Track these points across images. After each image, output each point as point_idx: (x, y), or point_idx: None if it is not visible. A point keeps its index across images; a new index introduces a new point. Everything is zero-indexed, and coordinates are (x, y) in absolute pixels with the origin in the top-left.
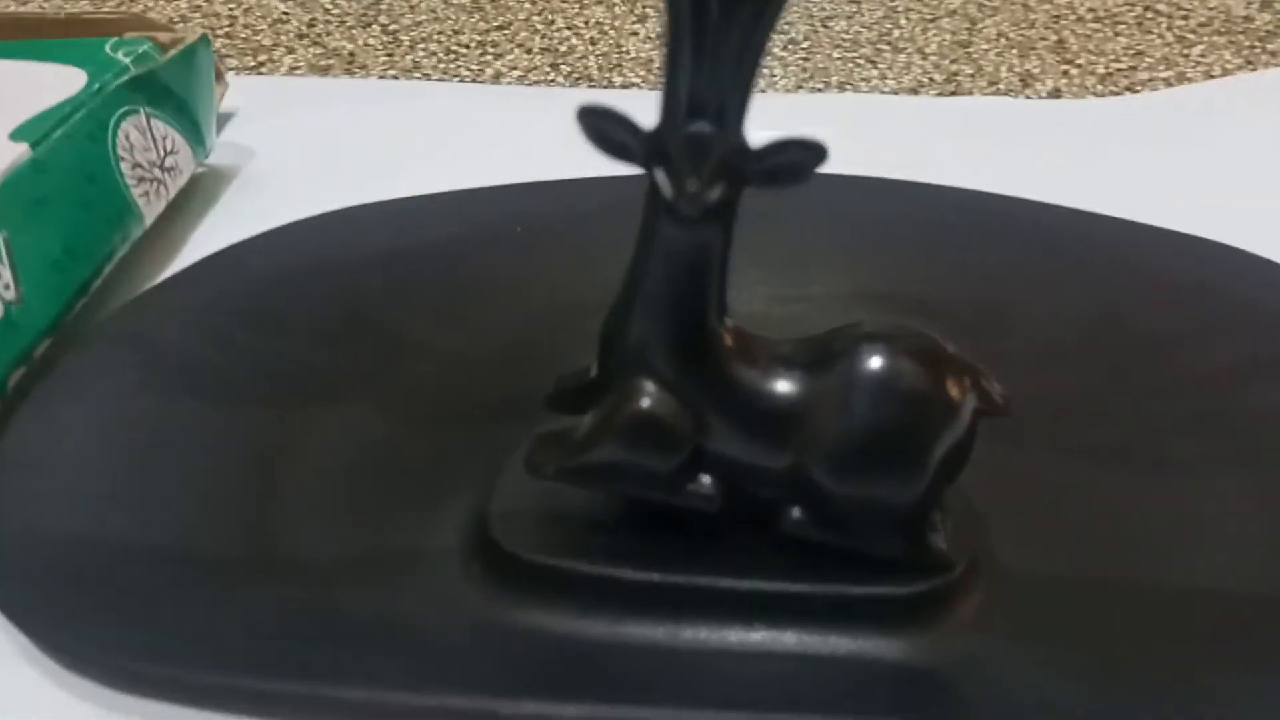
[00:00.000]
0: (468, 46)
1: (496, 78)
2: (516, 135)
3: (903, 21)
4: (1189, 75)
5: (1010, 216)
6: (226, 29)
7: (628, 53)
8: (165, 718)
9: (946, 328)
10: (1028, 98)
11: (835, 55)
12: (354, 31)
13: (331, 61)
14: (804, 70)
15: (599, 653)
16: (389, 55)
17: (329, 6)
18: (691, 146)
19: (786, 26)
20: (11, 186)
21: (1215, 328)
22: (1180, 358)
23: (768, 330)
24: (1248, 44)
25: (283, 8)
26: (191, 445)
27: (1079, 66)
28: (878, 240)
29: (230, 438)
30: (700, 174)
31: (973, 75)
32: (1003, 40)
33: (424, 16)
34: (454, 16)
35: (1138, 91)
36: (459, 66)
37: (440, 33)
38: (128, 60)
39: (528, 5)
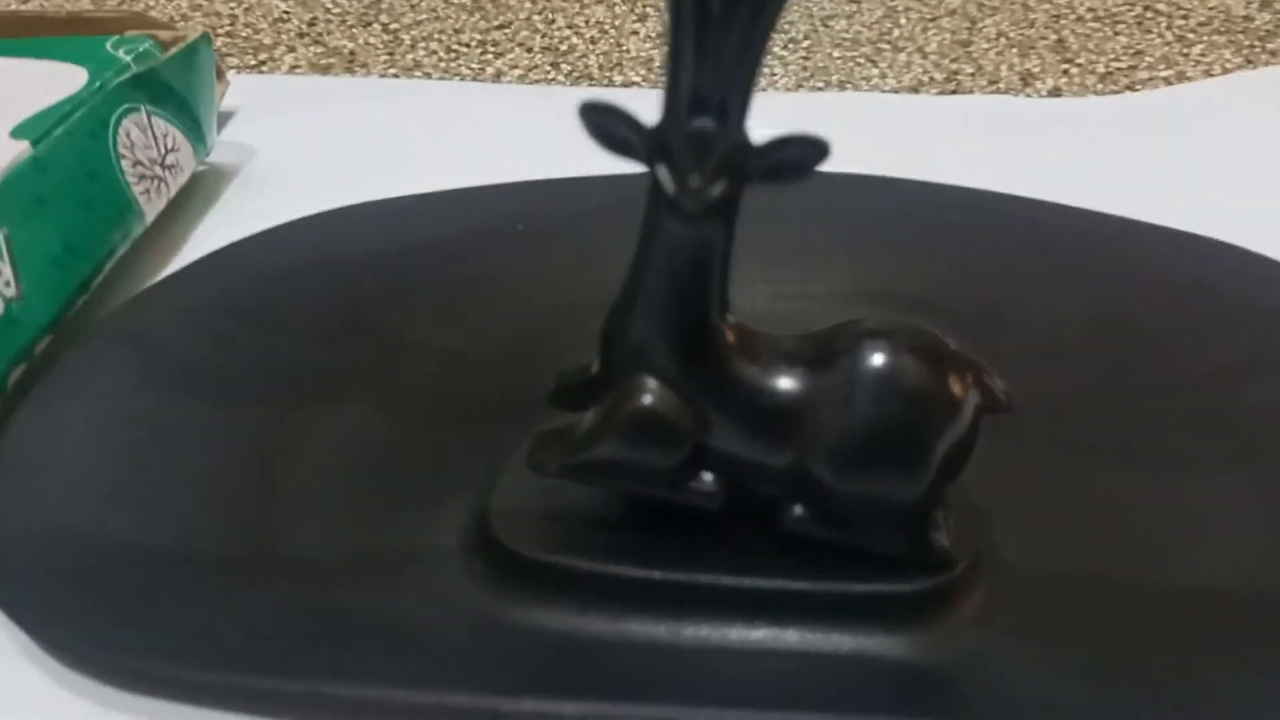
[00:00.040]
0: (468, 45)
1: (497, 76)
2: (517, 134)
3: (903, 20)
4: (1189, 74)
5: (1010, 215)
6: (227, 27)
7: (628, 51)
8: (166, 716)
9: (947, 325)
10: (1028, 96)
11: (835, 54)
12: (355, 30)
13: (332, 60)
14: (804, 69)
15: (600, 650)
16: (390, 54)
17: (330, 5)
18: (694, 142)
19: (787, 25)
20: (12, 184)
21: (1215, 325)
22: (1180, 355)
23: (769, 328)
24: (1247, 43)
25: (283, 6)
26: (192, 443)
27: (1079, 65)
28: (879, 238)
29: (230, 436)
30: (703, 170)
31: (973, 74)
32: (1003, 39)
33: (425, 15)
34: (455, 15)
35: (1138, 90)
36: (460, 65)
37: (441, 31)
38: (129, 58)
39: (528, 4)
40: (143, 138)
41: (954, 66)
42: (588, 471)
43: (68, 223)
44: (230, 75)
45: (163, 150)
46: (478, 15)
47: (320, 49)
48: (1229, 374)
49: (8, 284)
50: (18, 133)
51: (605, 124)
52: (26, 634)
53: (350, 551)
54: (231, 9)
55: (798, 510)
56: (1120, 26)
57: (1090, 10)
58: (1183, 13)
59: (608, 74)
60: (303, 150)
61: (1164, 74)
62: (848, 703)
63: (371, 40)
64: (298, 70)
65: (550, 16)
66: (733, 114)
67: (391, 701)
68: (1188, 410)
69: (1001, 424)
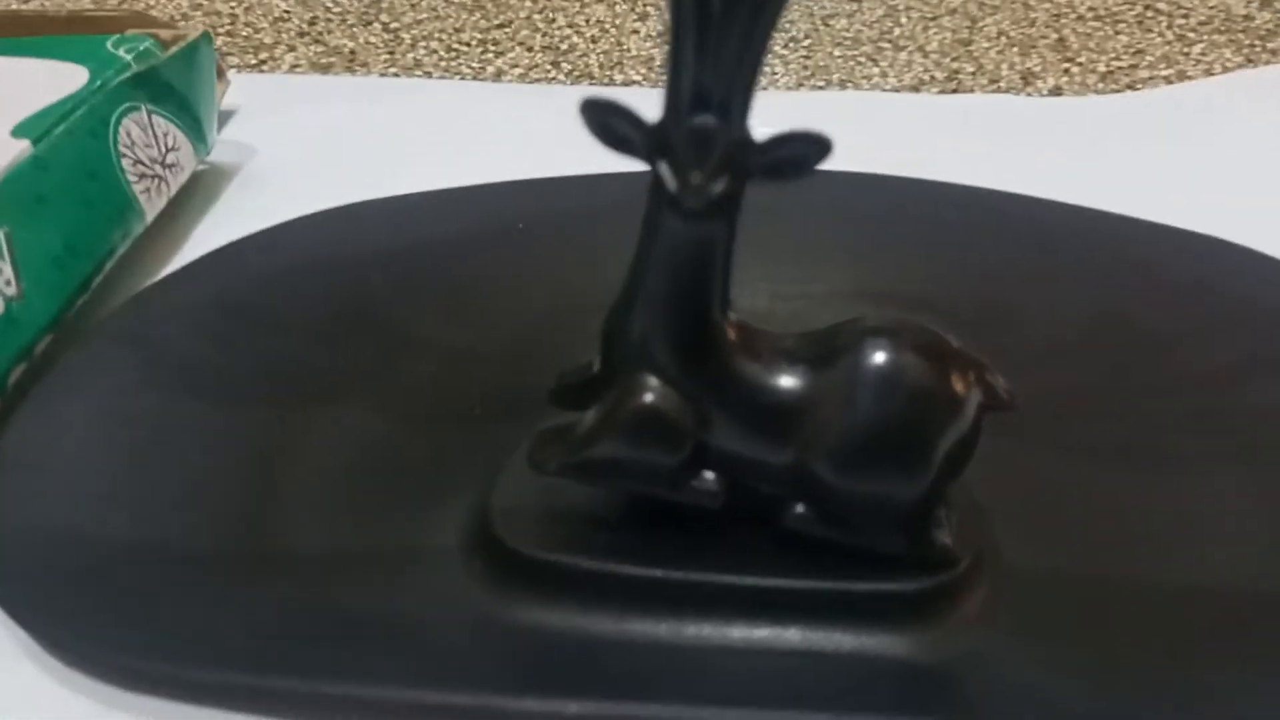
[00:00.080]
0: (469, 44)
1: (498, 75)
2: (517, 133)
3: (904, 20)
4: (1189, 73)
5: (1011, 214)
6: (228, 27)
7: (629, 50)
8: (166, 715)
9: (948, 324)
10: (1029, 95)
11: (836, 53)
12: (355, 29)
13: (333, 59)
14: (805, 68)
15: (601, 649)
16: (390, 53)
17: (330, 4)
18: (696, 139)
19: (788, 24)
20: (13, 183)
21: (1216, 324)
22: (1181, 355)
23: (770, 327)
24: (1248, 42)
25: (284, 6)
26: (192, 443)
27: (1080, 64)
28: (879, 237)
29: (230, 435)
30: (704, 167)
31: (974, 73)
32: (1003, 38)
33: (425, 14)
34: (455, 14)
35: (1138, 89)
36: (460, 64)
37: (441, 30)
38: (129, 57)
39: (529, 3)
40: (143, 136)
41: (955, 65)
42: (588, 470)
43: (68, 222)
44: (231, 74)
45: (163, 149)
46: (478, 14)
47: (321, 48)
48: (1229, 373)
49: (8, 283)
50: (18, 131)
51: (606, 121)
52: (27, 633)
53: (350, 550)
54: (232, 8)
55: (799, 509)
56: (1121, 26)
57: (1091, 9)
58: (1183, 12)
59: (608, 73)
60: (303, 149)
61: (1164, 73)
62: (849, 702)
63: (372, 39)
64: (298, 69)
65: (551, 15)
66: (734, 111)
67: (392, 701)
68: (1188, 410)
69: (1002, 423)
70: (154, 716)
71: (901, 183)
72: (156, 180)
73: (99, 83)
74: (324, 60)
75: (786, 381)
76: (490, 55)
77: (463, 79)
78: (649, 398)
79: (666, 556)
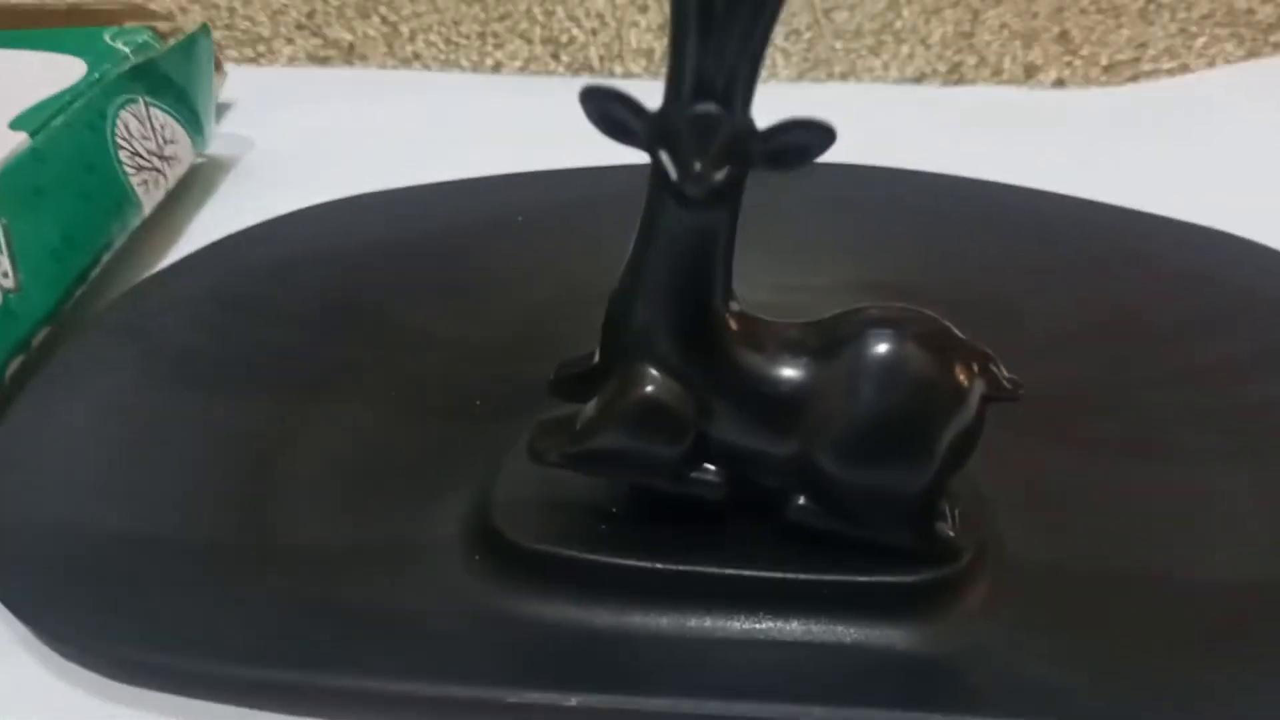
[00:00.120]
0: (468, 37)
1: (497, 68)
2: (516, 125)
3: (905, 12)
4: (1192, 66)
5: (1013, 206)
6: (226, 19)
7: (629, 43)
8: (164, 708)
9: (949, 317)
10: (1031, 88)
11: (838, 45)
12: (353, 22)
13: (331, 52)
14: (806, 60)
15: (602, 642)
16: (388, 46)
17: None
18: (698, 127)
19: (789, 16)
20: (11, 175)
21: (1218, 317)
22: (1182, 347)
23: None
24: (1250, 35)
25: None
26: (190, 436)
27: (1083, 57)
28: (881, 230)
29: (229, 428)
30: (706, 155)
31: (976, 65)
32: (1006, 31)
33: (423, 7)
34: (454, 7)
35: (1141, 82)
36: (459, 57)
37: (440, 23)
38: (127, 49)
39: None
40: (141, 129)
41: (957, 58)
42: (589, 461)
43: (66, 214)
44: (228, 67)
45: (161, 142)
46: (477, 6)
47: (319, 41)
48: (1231, 366)
49: (6, 275)
50: (16, 124)
51: (606, 108)
52: (25, 626)
53: (349, 543)
54: (229, 1)
55: (801, 501)
56: (1124, 19)
57: (1094, 2)
58: (1186, 5)
59: (608, 65)
60: (301, 142)
61: (1167, 66)
62: (851, 694)
63: (370, 32)
64: (296, 62)
65: (550, 8)
66: (737, 99)
67: (391, 693)
68: (1190, 403)
69: (1003, 415)
70: (152, 710)
71: (903, 175)
72: (154, 173)
73: (97, 75)
74: (322, 53)
75: (789, 372)
76: (489, 48)
77: (461, 71)
78: (650, 388)
79: (668, 548)
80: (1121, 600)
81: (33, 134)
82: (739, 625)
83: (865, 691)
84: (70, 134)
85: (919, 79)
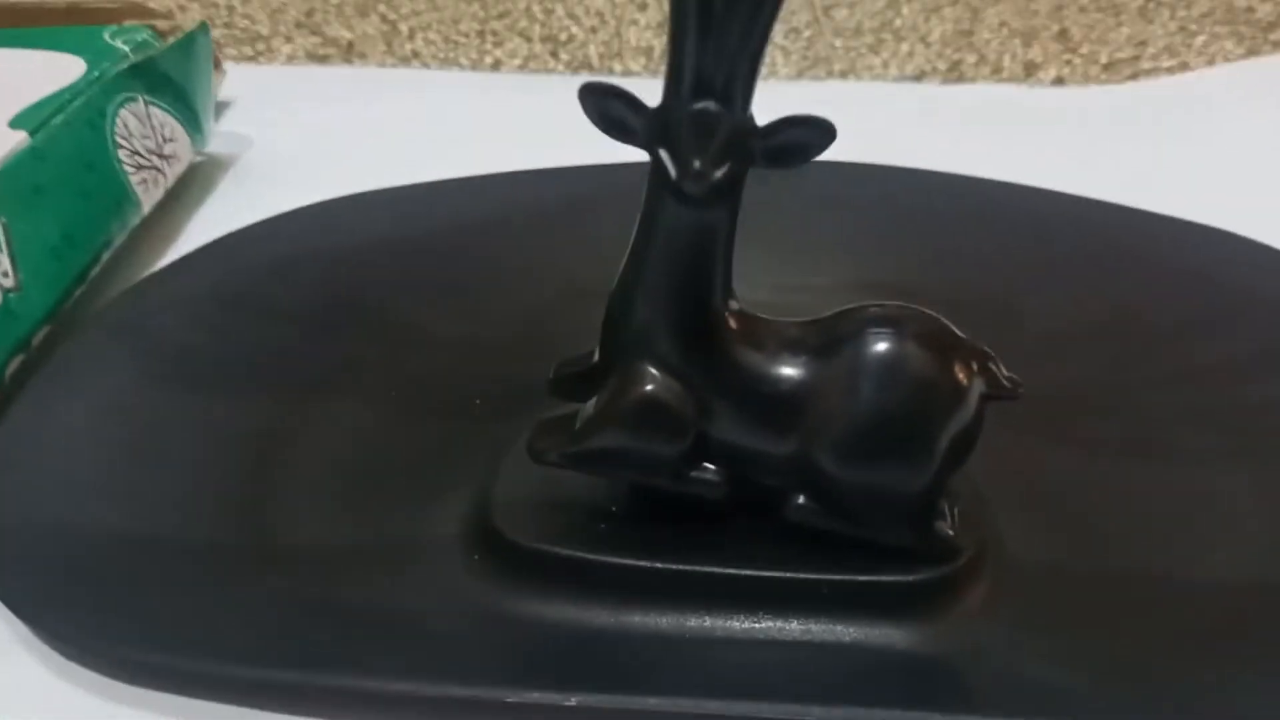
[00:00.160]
0: (467, 35)
1: (496, 66)
2: (515, 124)
3: (905, 10)
4: (1191, 64)
5: (1012, 205)
6: (224, 18)
7: (628, 41)
8: (165, 707)
9: (948, 315)
10: (1031, 86)
11: (838, 43)
12: (352, 20)
13: (330, 50)
14: (806, 58)
15: (602, 641)
16: (388, 44)
17: None
18: (697, 125)
19: (789, 14)
20: (11, 174)
21: (1217, 316)
22: (1181, 346)
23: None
24: (1250, 34)
25: None
26: (190, 435)
27: (1082, 55)
28: (880, 228)
29: (229, 427)
30: (706, 153)
31: (976, 63)
32: (1005, 29)
33: (423, 5)
34: (453, 5)
35: (1140, 80)
36: (458, 55)
37: (439, 21)
38: (127, 48)
39: None
40: (140, 128)
41: (957, 56)
42: (589, 460)
43: (66, 213)
44: (227, 65)
45: (160, 140)
46: (476, 4)
47: (318, 39)
48: (1231, 365)
49: (6, 274)
50: (16, 123)
51: (605, 106)
52: (25, 625)
53: (349, 542)
54: None
55: (801, 500)
56: (1123, 17)
57: (1093, 1)
58: (1185, 3)
59: (608, 63)
60: (300, 140)
61: (1167, 64)
62: (850, 694)
63: (369, 30)
64: (295, 60)
65: (549, 6)
66: (737, 97)
67: (392, 693)
68: (1189, 402)
69: (1002, 414)
70: (153, 709)
71: (903, 173)
72: (153, 171)
73: (96, 74)
74: (321, 51)
75: (789, 371)
76: (488, 46)
77: (461, 70)
78: (650, 387)
79: (667, 548)
80: (1121, 600)
81: (32, 132)
82: (739, 625)
83: (865, 691)
84: (70, 132)
85: (919, 77)
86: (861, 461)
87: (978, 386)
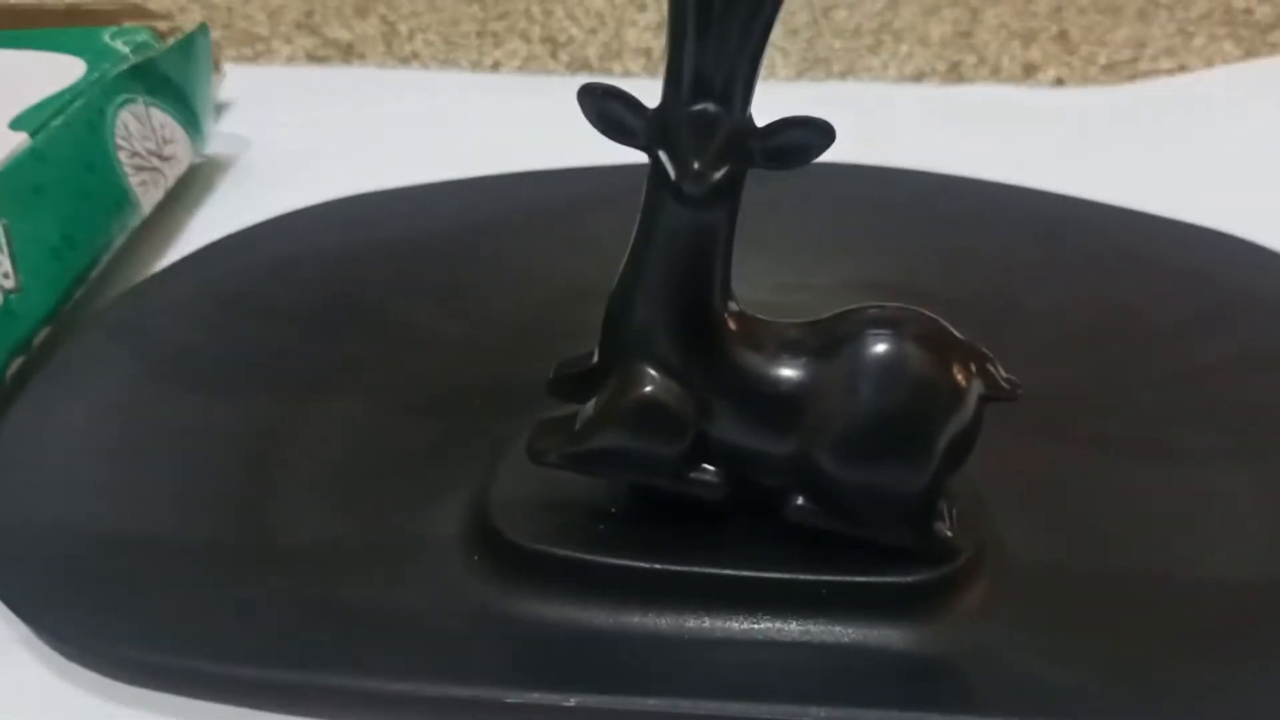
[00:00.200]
0: (466, 36)
1: (495, 67)
2: (515, 124)
3: (904, 11)
4: (1190, 66)
5: (1011, 205)
6: (224, 19)
7: (627, 41)
8: (164, 708)
9: (948, 316)
10: (1030, 87)
11: (837, 44)
12: (352, 21)
13: (329, 51)
14: (805, 59)
15: (601, 642)
16: (387, 45)
17: None
18: (697, 126)
19: (788, 15)
20: (11, 175)
21: (1216, 317)
22: (1181, 347)
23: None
24: (1248, 35)
25: None
26: (190, 435)
27: (1081, 56)
28: (879, 229)
29: (229, 427)
30: (706, 154)
31: (975, 64)
32: (1005, 30)
33: (422, 6)
34: (452, 6)
35: (1139, 82)
36: (457, 55)
37: (439, 22)
38: (126, 49)
39: None
40: (140, 129)
41: (956, 57)
42: (588, 460)
43: (66, 214)
44: (227, 66)
45: (160, 141)
46: (475, 6)
47: (317, 40)
48: (1230, 366)
49: (6, 275)
50: (16, 124)
51: (604, 107)
52: (26, 625)
53: (349, 542)
54: (228, 0)
55: (800, 501)
56: (1122, 18)
57: (1092, 2)
58: (1184, 5)
59: (607, 64)
60: (300, 141)
61: (1166, 66)
62: (850, 695)
63: (369, 31)
64: (295, 61)
65: (548, 7)
66: (736, 97)
67: (392, 693)
68: (1188, 402)
69: (1002, 414)
70: (152, 709)
71: (902, 174)
72: (153, 172)
73: (96, 75)
74: (320, 52)
75: (788, 372)
76: (488, 47)
77: (460, 70)
78: (649, 387)
79: (667, 549)
80: (1121, 600)
81: (32, 134)
82: (738, 626)
83: (865, 692)
84: (70, 134)
85: (918, 78)
86: (861, 462)
87: (976, 387)
